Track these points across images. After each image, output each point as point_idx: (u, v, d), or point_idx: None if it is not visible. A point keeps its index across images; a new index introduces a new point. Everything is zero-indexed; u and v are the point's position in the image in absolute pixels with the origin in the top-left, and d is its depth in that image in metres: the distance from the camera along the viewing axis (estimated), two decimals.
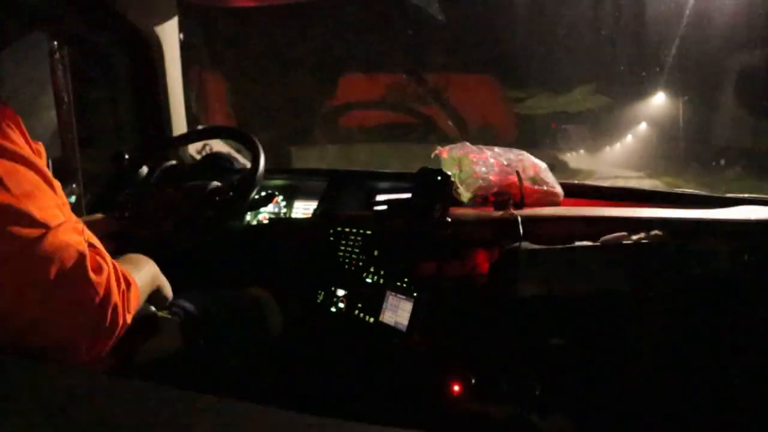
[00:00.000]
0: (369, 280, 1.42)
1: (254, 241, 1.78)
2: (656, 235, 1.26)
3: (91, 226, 1.40)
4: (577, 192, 1.66)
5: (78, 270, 0.74)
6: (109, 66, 2.16)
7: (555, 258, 1.29)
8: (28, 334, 0.71)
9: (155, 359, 1.05)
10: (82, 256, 0.75)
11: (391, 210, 1.54)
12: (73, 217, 0.82)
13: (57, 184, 0.79)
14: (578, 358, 1.30)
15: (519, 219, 1.32)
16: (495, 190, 1.52)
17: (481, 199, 1.55)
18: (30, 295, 0.70)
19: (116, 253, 1.40)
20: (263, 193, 1.57)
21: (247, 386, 1.23)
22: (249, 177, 1.49)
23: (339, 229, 1.58)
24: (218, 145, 2.27)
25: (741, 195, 1.51)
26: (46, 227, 0.72)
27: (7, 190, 0.70)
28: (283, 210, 2.04)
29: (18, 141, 0.74)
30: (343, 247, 1.54)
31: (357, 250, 1.49)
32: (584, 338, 1.30)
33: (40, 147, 0.79)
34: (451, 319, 1.31)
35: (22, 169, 0.73)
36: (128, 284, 0.84)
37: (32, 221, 0.71)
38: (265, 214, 2.05)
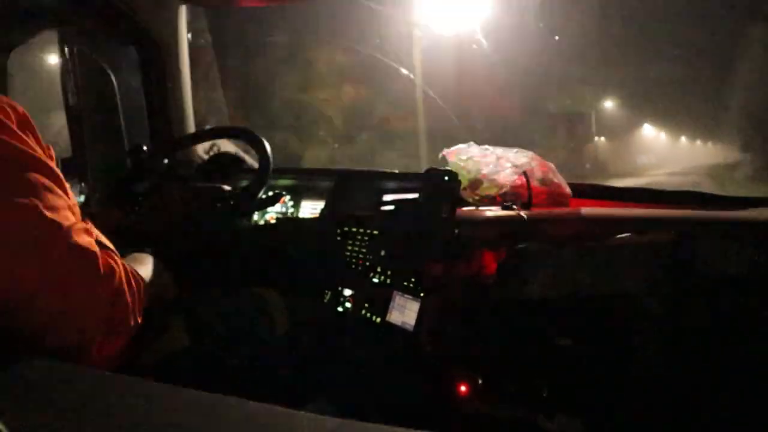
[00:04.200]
0: (376, 280, 1.42)
1: (261, 241, 1.79)
2: (666, 235, 1.25)
3: (101, 218, 1.41)
4: (585, 192, 1.65)
5: (90, 270, 0.75)
6: (118, 66, 2.17)
7: (563, 258, 1.29)
8: (41, 334, 0.72)
9: (162, 358, 1.06)
10: (93, 256, 0.76)
11: (399, 210, 1.53)
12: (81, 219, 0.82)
13: (67, 185, 0.80)
14: (586, 358, 1.30)
15: (527, 219, 1.32)
16: (503, 190, 1.51)
17: (488, 199, 1.55)
18: (43, 295, 0.70)
19: (123, 247, 1.41)
20: (270, 193, 1.57)
21: (253, 385, 1.23)
22: (257, 177, 1.50)
23: (346, 228, 1.58)
24: (226, 145, 2.28)
25: (751, 195, 1.50)
26: (59, 228, 0.72)
27: (20, 191, 0.70)
28: (291, 210, 2.05)
29: (30, 143, 0.74)
30: (350, 247, 1.53)
31: (364, 250, 1.49)
32: (592, 339, 1.30)
33: (51, 149, 0.80)
34: (459, 320, 1.31)
35: (34, 170, 0.73)
36: (138, 284, 0.85)
37: (45, 222, 0.71)
38: (272, 213, 2.05)
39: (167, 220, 1.42)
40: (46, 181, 0.74)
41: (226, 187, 1.49)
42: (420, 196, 1.41)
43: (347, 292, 1.48)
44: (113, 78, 2.24)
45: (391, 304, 1.34)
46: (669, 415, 1.22)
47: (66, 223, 0.74)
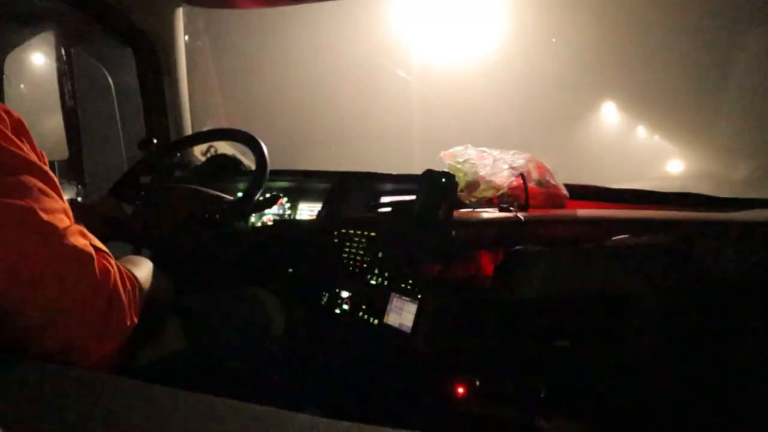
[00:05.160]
0: (373, 282, 1.42)
1: (259, 243, 1.79)
2: (661, 236, 1.26)
3: (98, 209, 1.41)
4: (582, 194, 1.66)
5: (85, 272, 0.75)
6: (115, 67, 2.17)
7: (560, 260, 1.29)
8: (37, 336, 0.72)
9: (158, 360, 1.05)
10: (89, 258, 0.76)
11: (396, 212, 1.53)
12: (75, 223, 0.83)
13: (61, 190, 0.80)
14: (583, 359, 1.30)
15: (524, 221, 1.32)
16: (500, 192, 1.51)
17: (485, 201, 1.55)
18: (38, 298, 0.70)
19: (117, 240, 1.41)
20: (268, 195, 1.57)
21: (250, 387, 1.22)
22: (254, 179, 1.50)
23: (343, 230, 1.58)
24: (223, 147, 2.28)
25: (745, 197, 1.50)
26: (54, 230, 0.73)
27: (16, 194, 0.71)
28: (288, 211, 2.05)
29: (25, 148, 0.75)
30: (347, 249, 1.53)
31: (361, 252, 1.49)
32: (589, 340, 1.30)
33: (44, 155, 0.80)
34: (456, 321, 1.31)
35: (29, 174, 0.74)
36: (133, 285, 0.85)
37: (40, 225, 0.71)
38: (269, 215, 2.05)
39: (164, 224, 1.42)
40: (41, 185, 0.75)
41: (222, 185, 1.50)
42: (417, 198, 1.41)
43: (345, 294, 1.48)
44: (110, 80, 2.24)
45: (389, 306, 1.34)
46: (667, 415, 1.22)
47: (61, 226, 0.74)
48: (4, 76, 1.68)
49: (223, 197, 1.51)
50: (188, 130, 2.22)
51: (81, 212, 1.01)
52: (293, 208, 2.04)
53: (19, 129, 0.75)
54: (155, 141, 1.70)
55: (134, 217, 1.45)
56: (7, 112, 0.75)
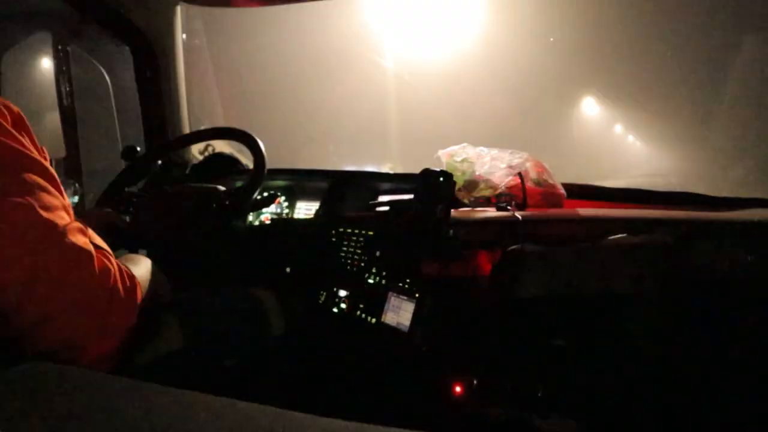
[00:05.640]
0: (371, 281, 1.42)
1: (256, 242, 1.79)
2: (659, 236, 1.26)
3: (94, 218, 1.41)
4: (580, 193, 1.66)
5: (85, 270, 0.75)
6: (113, 66, 2.16)
7: (557, 259, 1.29)
8: (35, 334, 0.72)
9: (157, 359, 1.05)
10: (88, 256, 0.76)
11: (394, 211, 1.53)
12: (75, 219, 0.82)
13: (61, 186, 0.80)
14: (581, 359, 1.30)
15: (521, 220, 1.32)
16: (497, 191, 1.51)
17: (483, 200, 1.55)
18: (37, 296, 0.70)
19: (116, 248, 1.41)
20: (265, 194, 1.57)
21: (248, 386, 1.22)
22: (252, 177, 1.50)
23: (341, 229, 1.58)
24: (221, 146, 2.27)
25: (743, 196, 1.51)
26: (54, 227, 0.72)
27: (16, 191, 0.70)
28: (286, 210, 2.05)
29: (25, 143, 0.75)
30: (345, 248, 1.53)
31: (359, 251, 1.49)
32: (587, 339, 1.30)
33: (45, 150, 0.80)
34: (453, 320, 1.31)
35: (29, 170, 0.73)
36: (133, 284, 0.85)
37: (40, 222, 0.71)
38: (267, 214, 2.05)
39: (160, 222, 1.42)
40: (42, 181, 0.74)
41: (221, 188, 1.49)
42: (415, 197, 1.41)
43: (342, 293, 1.48)
44: (108, 78, 2.24)
45: (386, 305, 1.34)
46: (664, 414, 1.22)
47: (61, 223, 0.74)
48: (1, 75, 1.68)
49: (220, 189, 1.50)
50: (186, 129, 2.21)
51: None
52: (291, 206, 2.05)
53: (20, 124, 0.75)
54: (138, 149, 1.70)
55: (131, 223, 1.44)
56: (7, 107, 0.75)
